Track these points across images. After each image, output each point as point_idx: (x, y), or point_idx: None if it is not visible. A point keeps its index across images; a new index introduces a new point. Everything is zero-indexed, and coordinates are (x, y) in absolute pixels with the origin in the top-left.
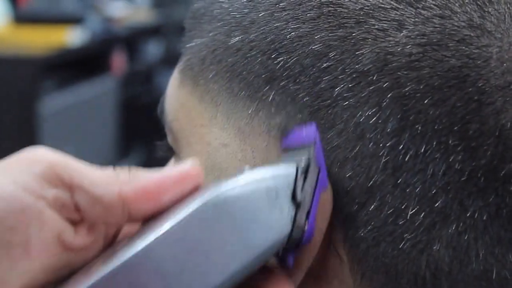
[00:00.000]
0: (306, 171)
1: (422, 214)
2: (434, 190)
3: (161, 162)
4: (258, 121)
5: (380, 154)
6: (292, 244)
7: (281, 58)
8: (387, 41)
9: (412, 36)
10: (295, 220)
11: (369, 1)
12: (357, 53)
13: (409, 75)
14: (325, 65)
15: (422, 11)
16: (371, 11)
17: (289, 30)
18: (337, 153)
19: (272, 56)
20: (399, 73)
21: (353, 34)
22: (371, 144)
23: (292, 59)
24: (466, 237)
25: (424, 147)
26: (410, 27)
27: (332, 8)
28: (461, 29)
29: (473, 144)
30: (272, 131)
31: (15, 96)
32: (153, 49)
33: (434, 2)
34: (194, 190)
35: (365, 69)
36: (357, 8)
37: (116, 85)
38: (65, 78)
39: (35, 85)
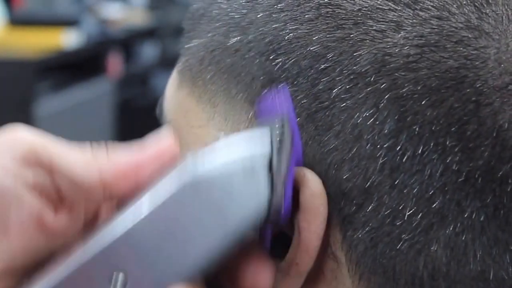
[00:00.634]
0: (281, 144)
1: (420, 215)
2: (432, 191)
3: None
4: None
5: (378, 155)
6: (271, 219)
7: (279, 60)
8: (385, 42)
9: (410, 37)
10: (272, 190)
11: (367, 2)
12: (355, 54)
13: (407, 76)
14: (323, 66)
15: (420, 13)
16: (369, 12)
17: (287, 31)
18: (335, 155)
19: (270, 57)
20: (396, 74)
21: (351, 35)
22: (369, 145)
23: (290, 60)
24: (463, 238)
25: (421, 148)
26: (408, 28)
27: (330, 10)
28: (458, 30)
29: (471, 145)
30: None
31: (10, 98)
32: (149, 51)
33: (431, 4)
34: (172, 161)
35: (363, 70)
36: (355, 10)
37: (111, 88)
38: (61, 81)
39: (30, 87)
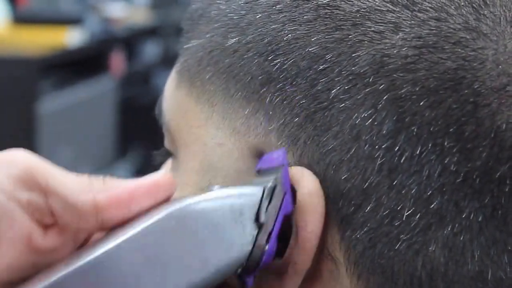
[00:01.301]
0: (271, 193)
1: (418, 215)
2: (430, 192)
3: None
4: (255, 122)
5: (376, 155)
6: (252, 265)
7: (277, 60)
8: (383, 43)
9: (408, 39)
10: (256, 240)
11: (366, 4)
12: (353, 55)
13: (405, 77)
14: (321, 67)
15: (418, 14)
16: (367, 14)
17: (286, 32)
18: (333, 155)
19: (269, 58)
20: (395, 75)
21: (350, 36)
22: (367, 146)
23: (289, 61)
24: (461, 238)
25: (419, 148)
26: (406, 30)
27: (329, 11)
28: (457, 31)
29: (469, 145)
30: (270, 134)
31: (14, 96)
32: (151, 50)
33: (430, 5)
34: (166, 200)
35: (361, 71)
36: (353, 11)
37: (114, 86)
38: (64, 79)
39: (34, 85)
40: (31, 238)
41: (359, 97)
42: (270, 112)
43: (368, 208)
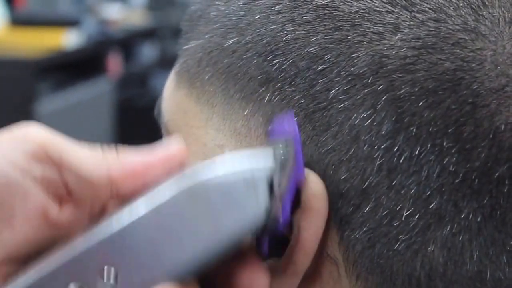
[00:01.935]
0: (284, 162)
1: (417, 216)
2: (429, 192)
3: None
4: (255, 123)
5: (375, 156)
6: (268, 233)
7: (277, 60)
8: (382, 44)
9: (407, 39)
10: (270, 209)
11: (365, 4)
12: (352, 55)
13: (404, 78)
14: (320, 67)
15: (417, 15)
16: (366, 14)
17: (285, 32)
18: (332, 155)
19: (268, 58)
20: (394, 75)
21: (349, 37)
22: (366, 146)
23: (288, 61)
24: (460, 239)
25: (418, 149)
26: (405, 30)
27: (328, 11)
28: (455, 32)
29: (468, 146)
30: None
31: (11, 98)
32: (148, 52)
33: (429, 6)
34: (179, 167)
35: (360, 71)
36: (352, 11)
37: (111, 87)
38: (61, 80)
39: (31, 87)
40: (47, 213)
41: (358, 97)
42: (270, 113)
43: (367, 208)
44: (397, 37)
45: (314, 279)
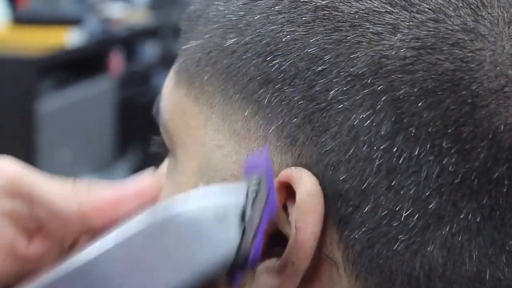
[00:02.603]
0: (256, 192)
1: (416, 216)
2: (428, 192)
3: (157, 160)
4: (255, 125)
5: (374, 156)
6: (239, 265)
7: (276, 61)
8: (382, 45)
9: (406, 40)
10: (242, 241)
11: (364, 5)
12: (351, 56)
13: (403, 78)
14: (320, 68)
15: (417, 15)
16: (365, 15)
17: (285, 33)
18: (331, 156)
19: (267, 59)
20: (393, 76)
21: (348, 38)
22: (365, 146)
23: (287, 62)
24: (459, 239)
25: (418, 149)
26: (405, 31)
27: (327, 12)
28: (455, 32)
29: (467, 146)
30: (269, 137)
31: (13, 96)
32: (150, 50)
33: (428, 6)
34: (152, 201)
35: (360, 72)
36: (352, 12)
37: (113, 86)
38: (63, 79)
39: (33, 85)
40: (15, 247)
41: (357, 98)
42: (269, 114)
43: (367, 209)
44: (396, 37)
45: (314, 279)
